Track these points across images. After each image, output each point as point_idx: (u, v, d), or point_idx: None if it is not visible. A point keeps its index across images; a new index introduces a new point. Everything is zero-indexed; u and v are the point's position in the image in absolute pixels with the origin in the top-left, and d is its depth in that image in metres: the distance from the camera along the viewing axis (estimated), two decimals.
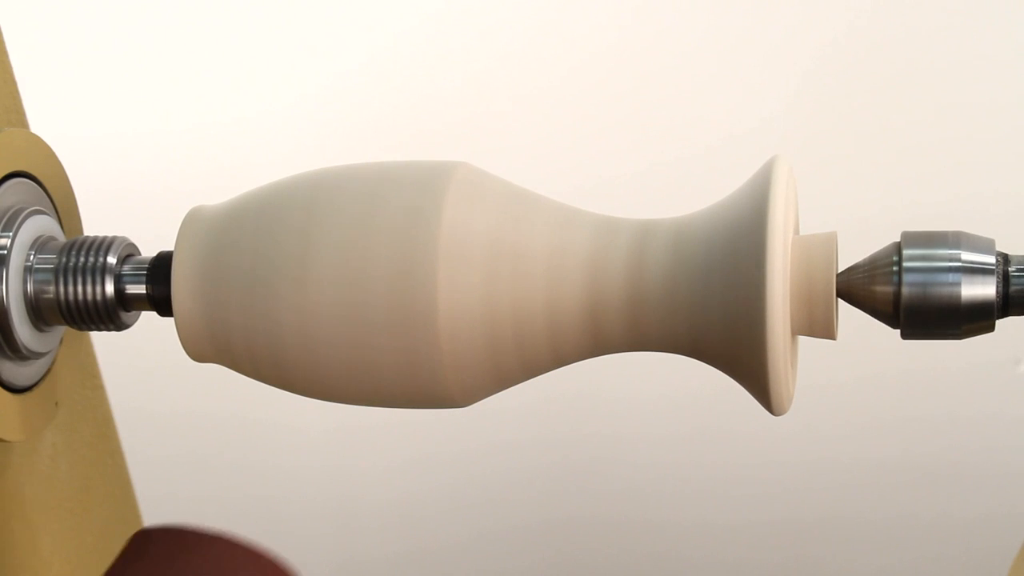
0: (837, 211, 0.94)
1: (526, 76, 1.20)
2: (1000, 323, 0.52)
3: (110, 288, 0.58)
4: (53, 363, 0.62)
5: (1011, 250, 0.53)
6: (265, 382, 0.56)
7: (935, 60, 1.17)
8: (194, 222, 0.56)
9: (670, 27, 1.19)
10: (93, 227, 0.64)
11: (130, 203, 1.11)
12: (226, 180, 0.69)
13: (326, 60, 1.21)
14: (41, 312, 0.58)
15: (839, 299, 0.53)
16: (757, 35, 1.18)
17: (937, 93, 1.17)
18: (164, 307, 0.57)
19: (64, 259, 0.58)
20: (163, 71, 1.22)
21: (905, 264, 0.52)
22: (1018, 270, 0.52)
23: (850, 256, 0.54)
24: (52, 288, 0.58)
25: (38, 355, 0.60)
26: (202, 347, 0.56)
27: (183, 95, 1.22)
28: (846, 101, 1.18)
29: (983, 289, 0.51)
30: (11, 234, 0.58)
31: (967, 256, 0.51)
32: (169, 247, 0.57)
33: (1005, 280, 0.52)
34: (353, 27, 1.21)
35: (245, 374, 0.56)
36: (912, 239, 0.52)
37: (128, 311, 0.59)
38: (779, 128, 1.18)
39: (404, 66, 1.21)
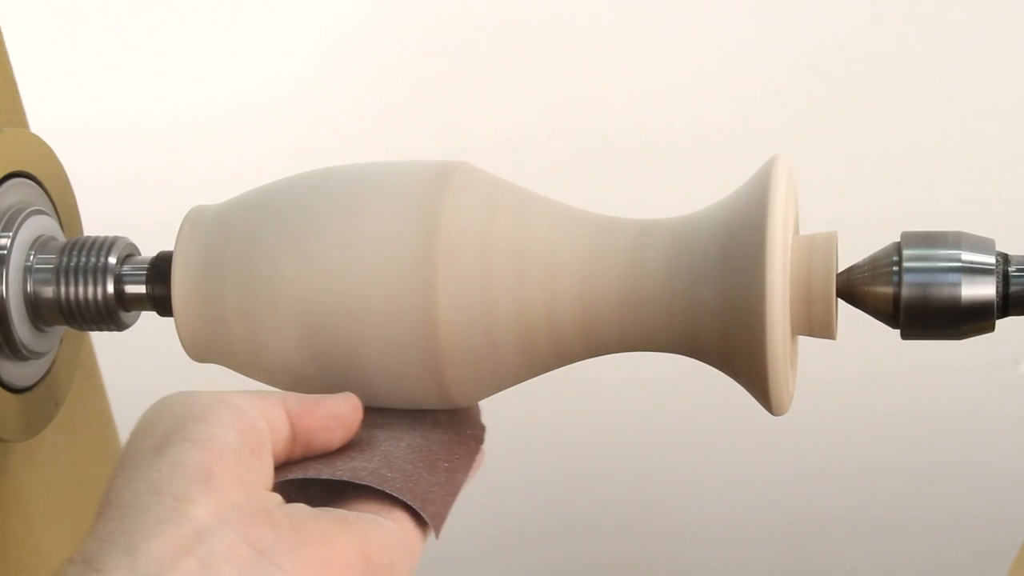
0: (837, 211, 0.94)
1: (526, 76, 1.20)
2: (1000, 323, 0.52)
3: (110, 288, 0.58)
4: (53, 363, 0.62)
5: (1011, 250, 0.52)
6: (265, 381, 0.56)
7: (936, 61, 1.17)
8: (194, 222, 0.56)
9: (671, 26, 1.19)
10: (93, 227, 0.64)
11: (130, 203, 1.11)
12: (226, 180, 0.69)
13: (326, 61, 1.21)
14: (41, 312, 0.58)
15: (839, 299, 0.53)
16: (758, 34, 1.18)
17: (938, 93, 1.17)
18: (164, 307, 0.57)
19: (64, 259, 0.58)
20: (164, 71, 1.22)
21: (905, 264, 0.52)
22: (1018, 270, 0.52)
23: (850, 256, 0.54)
24: (52, 288, 0.58)
25: (38, 355, 0.60)
26: (202, 347, 0.56)
27: (183, 96, 1.22)
28: (846, 101, 1.18)
29: (983, 289, 0.51)
30: (11, 234, 0.58)
31: (967, 256, 0.51)
32: (169, 247, 0.57)
33: (1005, 280, 0.52)
34: (354, 28, 1.21)
35: (245, 374, 0.56)
36: (912, 239, 0.52)
37: (128, 311, 0.59)
38: (779, 128, 1.18)
39: (405, 67, 1.21)
